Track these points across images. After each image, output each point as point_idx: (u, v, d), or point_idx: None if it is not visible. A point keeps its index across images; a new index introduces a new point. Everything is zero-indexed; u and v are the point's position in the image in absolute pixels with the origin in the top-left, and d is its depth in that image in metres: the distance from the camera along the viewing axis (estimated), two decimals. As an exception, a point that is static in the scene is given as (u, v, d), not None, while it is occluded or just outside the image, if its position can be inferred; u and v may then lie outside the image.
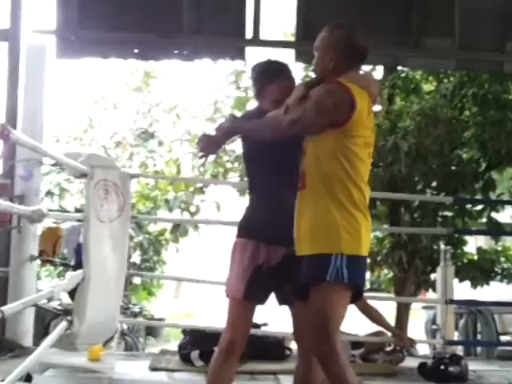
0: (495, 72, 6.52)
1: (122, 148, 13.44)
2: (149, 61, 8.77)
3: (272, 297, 2.96)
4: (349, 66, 2.65)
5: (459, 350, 5.91)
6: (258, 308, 2.93)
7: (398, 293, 7.71)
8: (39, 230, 5.30)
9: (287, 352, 4.93)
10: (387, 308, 7.12)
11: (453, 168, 7.16)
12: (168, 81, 14.86)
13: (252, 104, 8.29)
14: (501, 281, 7.79)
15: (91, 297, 3.94)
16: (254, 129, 2.74)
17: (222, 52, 5.63)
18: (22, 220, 4.64)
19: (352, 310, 4.89)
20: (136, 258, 11.11)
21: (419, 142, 6.84)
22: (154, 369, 4.38)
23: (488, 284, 7.59)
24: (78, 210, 7.28)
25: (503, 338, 8.27)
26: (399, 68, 7.36)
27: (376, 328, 5.01)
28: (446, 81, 7.59)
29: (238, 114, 2.57)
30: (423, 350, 6.42)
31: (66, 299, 5.16)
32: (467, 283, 7.38)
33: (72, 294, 4.71)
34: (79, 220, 5.14)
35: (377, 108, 2.65)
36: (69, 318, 4.10)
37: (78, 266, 5.45)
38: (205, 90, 12.88)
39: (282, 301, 2.95)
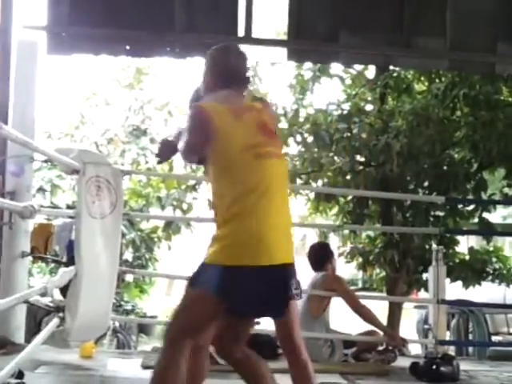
0: (487, 73, 6.53)
1: (114, 145, 13.41)
2: (140, 58, 8.75)
3: None
4: (226, 86, 2.78)
5: (451, 350, 5.92)
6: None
7: (389, 292, 7.72)
8: (31, 226, 5.28)
9: (279, 351, 4.93)
10: (379, 307, 7.13)
11: (444, 168, 7.18)
12: (160, 78, 14.83)
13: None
14: (492, 281, 7.80)
15: (83, 293, 3.93)
16: (181, 152, 2.83)
17: (214, 50, 5.62)
18: (14, 216, 4.63)
19: (344, 309, 4.93)
20: (128, 255, 11.09)
21: (411, 142, 6.86)
22: (146, 367, 4.35)
23: (480, 284, 7.60)
24: (69, 207, 7.26)
25: (495, 338, 8.30)
26: (391, 68, 7.37)
27: (368, 327, 5.03)
28: (437, 81, 7.60)
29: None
30: (415, 349, 6.44)
31: (58, 296, 5.15)
32: (459, 283, 7.39)
33: (64, 290, 4.71)
34: (71, 217, 5.13)
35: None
36: (61, 314, 4.10)
37: (70, 262, 5.44)
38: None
39: None
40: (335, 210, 8.41)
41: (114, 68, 14.41)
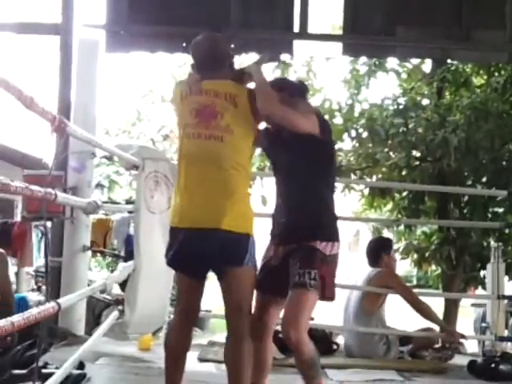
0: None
1: (170, 141, 13.57)
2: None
3: None
4: (197, 71, 3.09)
5: (509, 349, 5.79)
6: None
7: (446, 289, 7.61)
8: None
9: (334, 346, 4.93)
10: (435, 305, 7.03)
11: (504, 163, 7.04)
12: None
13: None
14: (552, 279, 7.60)
15: (142, 287, 4.00)
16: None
17: (270, 46, 5.64)
18: (75, 211, 4.74)
19: (402, 306, 4.87)
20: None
21: (469, 137, 6.74)
22: (202, 360, 4.41)
23: (539, 282, 7.42)
24: (128, 202, 7.38)
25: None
26: (448, 61, 7.25)
27: (424, 324, 4.97)
28: (496, 74, 7.45)
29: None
30: (472, 347, 6.32)
31: (116, 289, 5.26)
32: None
33: (123, 284, 4.81)
34: (130, 211, 5.23)
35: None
36: (120, 307, 4.18)
37: (128, 256, 5.56)
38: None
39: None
40: (389, 206, 8.33)
41: (170, 65, 14.57)
